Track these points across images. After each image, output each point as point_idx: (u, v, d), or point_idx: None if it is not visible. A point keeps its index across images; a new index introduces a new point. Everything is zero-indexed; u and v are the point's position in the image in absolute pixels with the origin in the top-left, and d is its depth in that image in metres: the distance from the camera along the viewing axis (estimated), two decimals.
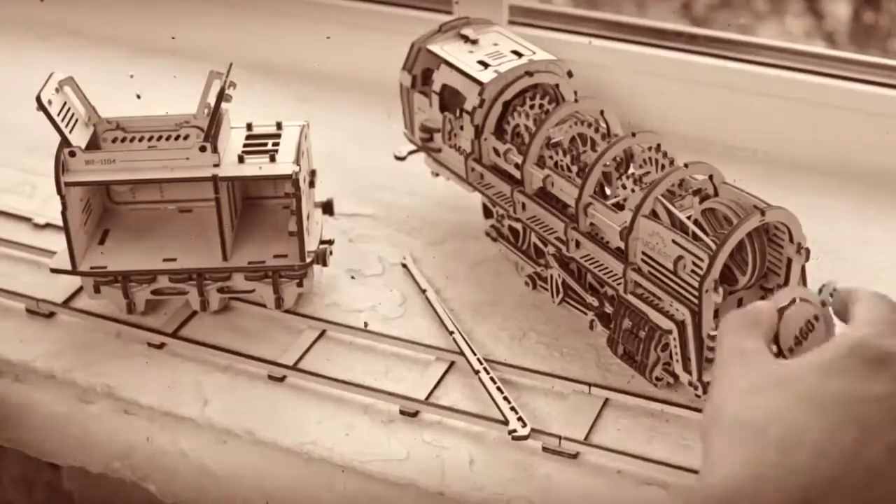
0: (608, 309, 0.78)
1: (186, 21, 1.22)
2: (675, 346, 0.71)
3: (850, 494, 0.54)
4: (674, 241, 0.70)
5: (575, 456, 0.72)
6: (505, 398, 0.75)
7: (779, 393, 0.55)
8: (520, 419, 0.73)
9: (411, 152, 0.95)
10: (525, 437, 0.72)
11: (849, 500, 0.54)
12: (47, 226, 0.95)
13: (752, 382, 0.56)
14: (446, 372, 0.79)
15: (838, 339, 0.57)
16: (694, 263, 0.69)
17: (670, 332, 0.72)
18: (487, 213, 0.89)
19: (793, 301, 0.60)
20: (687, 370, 0.71)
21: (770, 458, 0.53)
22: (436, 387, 0.78)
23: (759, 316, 0.60)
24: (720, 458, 0.55)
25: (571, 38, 1.07)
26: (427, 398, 0.77)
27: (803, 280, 0.71)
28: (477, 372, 0.78)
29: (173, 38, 1.17)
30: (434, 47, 0.88)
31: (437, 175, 0.93)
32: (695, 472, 0.67)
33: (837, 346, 0.56)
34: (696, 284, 0.69)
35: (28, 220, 0.96)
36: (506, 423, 0.74)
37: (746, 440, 0.54)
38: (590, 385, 0.77)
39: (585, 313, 0.80)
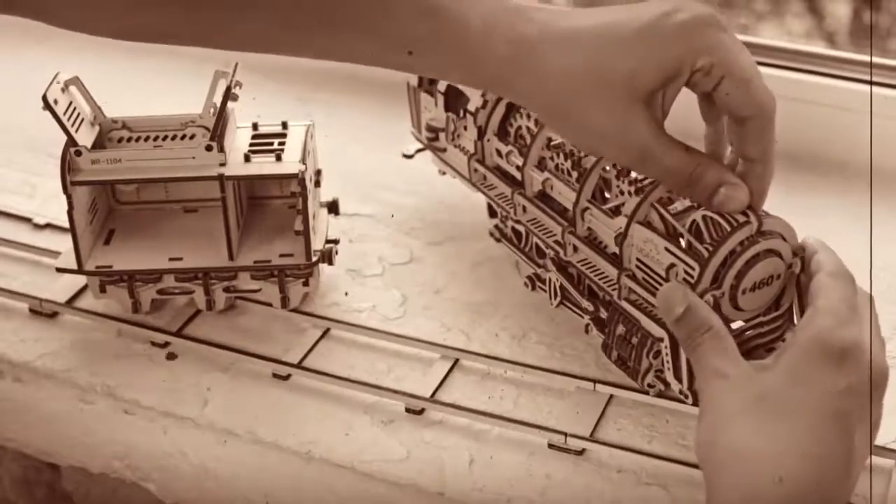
0: (603, 314, 0.78)
1: None
2: (667, 354, 0.71)
3: (837, 484, 0.60)
4: (666, 249, 0.70)
5: (580, 453, 0.73)
6: None
7: (760, 412, 0.60)
8: None
9: (419, 150, 0.95)
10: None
11: (837, 488, 0.60)
12: (47, 226, 0.95)
13: (736, 407, 0.61)
14: (450, 370, 0.79)
15: (799, 335, 0.62)
16: (686, 272, 0.68)
17: (662, 339, 0.71)
18: (492, 212, 0.89)
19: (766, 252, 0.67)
20: (677, 378, 0.71)
21: (763, 483, 0.59)
22: (440, 385, 0.78)
23: (719, 333, 0.65)
24: (720, 490, 0.60)
25: None
26: (432, 396, 0.77)
27: (797, 285, 0.71)
28: (482, 371, 0.78)
29: None
30: None
31: (443, 174, 0.93)
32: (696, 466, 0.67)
33: (800, 345, 0.62)
34: None
35: (28, 220, 0.96)
36: (515, 421, 0.74)
37: (740, 471, 0.60)
38: (594, 382, 0.77)
39: (582, 317, 0.80)
